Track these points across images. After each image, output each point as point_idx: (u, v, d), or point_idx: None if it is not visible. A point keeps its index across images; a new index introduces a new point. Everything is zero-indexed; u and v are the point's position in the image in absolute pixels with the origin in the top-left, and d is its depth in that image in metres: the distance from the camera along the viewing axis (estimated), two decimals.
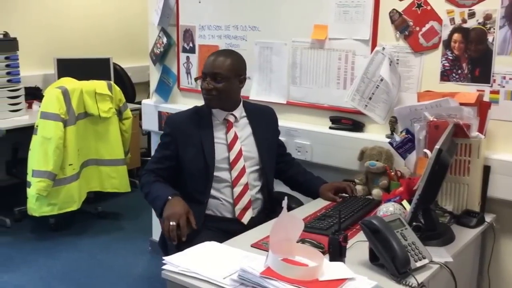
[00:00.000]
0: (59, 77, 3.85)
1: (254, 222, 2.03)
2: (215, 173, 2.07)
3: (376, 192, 2.12)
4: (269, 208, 2.16)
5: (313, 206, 2.06)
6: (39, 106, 3.32)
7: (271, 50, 2.60)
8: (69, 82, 3.33)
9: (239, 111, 2.17)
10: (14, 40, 3.74)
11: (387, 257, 1.44)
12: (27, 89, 3.88)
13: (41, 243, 3.34)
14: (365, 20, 2.26)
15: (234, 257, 1.52)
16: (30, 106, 3.92)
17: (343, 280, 1.33)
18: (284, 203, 1.44)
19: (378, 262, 1.49)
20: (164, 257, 1.52)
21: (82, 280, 2.87)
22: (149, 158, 2.34)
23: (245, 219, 2.07)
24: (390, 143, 2.13)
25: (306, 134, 2.47)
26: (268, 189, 2.18)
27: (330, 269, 1.37)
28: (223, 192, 2.08)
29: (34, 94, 4.03)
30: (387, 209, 1.75)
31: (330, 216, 1.87)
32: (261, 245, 1.67)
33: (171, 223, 1.80)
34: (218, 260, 1.51)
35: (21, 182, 3.29)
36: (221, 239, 1.76)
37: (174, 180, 2.10)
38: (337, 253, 1.48)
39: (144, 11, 3.18)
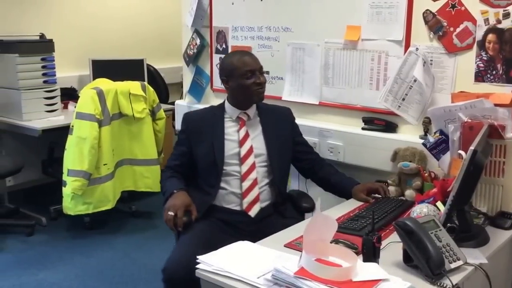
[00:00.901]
0: (94, 78, 3.94)
1: (261, 216, 2.13)
2: (225, 168, 2.15)
3: (409, 193, 2.10)
4: (280, 203, 2.22)
5: (346, 207, 2.06)
6: (75, 107, 3.38)
7: (303, 51, 2.61)
8: (104, 83, 3.39)
9: (253, 110, 2.24)
10: (50, 41, 3.82)
11: (421, 258, 1.43)
12: (63, 90, 3.95)
13: (76, 241, 3.42)
14: (398, 21, 2.25)
15: (267, 256, 1.52)
16: (65, 107, 4.00)
17: (377, 281, 1.33)
18: (317, 204, 1.44)
19: (412, 263, 1.49)
20: (198, 256, 1.54)
21: (116, 278, 2.93)
22: None
23: (253, 212, 2.13)
24: (424, 144, 2.11)
25: (338, 134, 2.47)
26: (278, 186, 2.22)
27: (364, 270, 1.37)
28: (232, 185, 2.15)
29: (69, 95, 4.12)
30: (421, 210, 1.74)
31: (363, 217, 1.86)
32: (294, 245, 1.68)
33: (168, 213, 1.96)
34: (251, 260, 1.52)
35: (57, 181, 3.36)
36: (222, 229, 2.06)
37: (190, 175, 2.23)
38: (370, 254, 1.47)
39: (178, 12, 3.23)
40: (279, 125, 2.28)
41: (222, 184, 2.15)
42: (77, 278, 2.93)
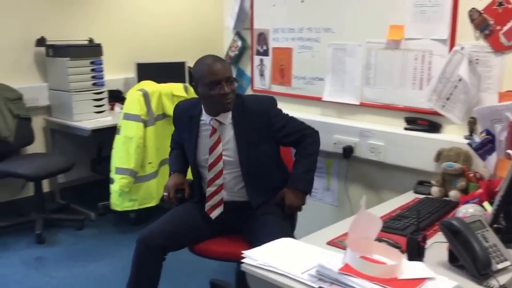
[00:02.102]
0: (139, 80, 4.04)
1: (224, 218, 2.21)
2: (202, 170, 2.25)
3: (453, 193, 2.08)
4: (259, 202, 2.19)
5: (388, 207, 2.06)
6: (121, 108, 3.50)
7: (344, 51, 2.62)
8: (148, 85, 3.49)
9: (226, 116, 2.16)
10: (99, 46, 3.95)
11: (467, 258, 1.42)
12: (110, 92, 4.07)
13: (123, 236, 3.53)
14: (443, 20, 2.23)
15: (311, 253, 1.54)
16: (112, 108, 4.13)
17: (422, 280, 1.33)
18: (362, 202, 1.46)
19: (458, 263, 1.48)
20: (243, 251, 1.58)
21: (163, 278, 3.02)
22: None
23: (214, 215, 2.22)
24: (469, 144, 2.08)
25: (379, 135, 2.47)
26: (253, 188, 2.18)
27: (410, 268, 1.37)
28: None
29: (116, 97, 4.24)
30: (467, 211, 1.72)
31: (406, 217, 1.86)
32: (337, 243, 1.69)
33: (164, 193, 2.22)
34: (295, 256, 1.54)
35: (105, 178, 3.46)
36: (204, 215, 2.21)
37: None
38: (415, 253, 1.48)
39: (219, 16, 3.31)
40: (253, 122, 2.18)
41: (202, 184, 2.27)
42: (124, 270, 3.00)
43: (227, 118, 2.16)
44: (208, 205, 2.21)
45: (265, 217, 2.14)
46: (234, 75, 3.19)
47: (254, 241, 1.94)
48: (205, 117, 2.20)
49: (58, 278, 2.98)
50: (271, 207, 2.19)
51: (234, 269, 2.42)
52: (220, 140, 2.18)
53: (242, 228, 2.20)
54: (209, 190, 2.20)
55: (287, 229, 2.13)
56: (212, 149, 2.18)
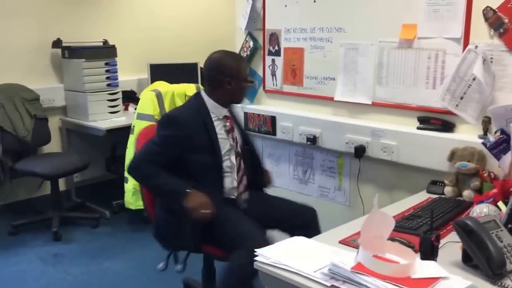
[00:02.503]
0: (152, 81, 4.10)
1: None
2: (225, 164, 2.25)
3: (467, 193, 2.07)
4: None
5: (400, 206, 2.05)
6: (135, 108, 3.55)
7: (356, 51, 2.61)
8: (162, 86, 3.53)
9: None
10: (113, 47, 4.01)
11: (481, 258, 1.42)
12: (124, 93, 4.14)
13: (137, 234, 3.59)
14: (456, 18, 2.22)
15: (323, 252, 1.55)
16: (126, 108, 4.19)
17: (436, 279, 1.33)
18: (375, 201, 1.46)
19: (471, 263, 1.48)
20: (256, 249, 1.59)
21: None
22: None
23: (244, 199, 2.31)
24: (484, 144, 2.07)
25: (392, 134, 2.46)
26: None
27: (423, 268, 1.37)
28: (227, 182, 2.26)
29: (130, 97, 4.30)
30: (481, 210, 1.71)
31: (419, 217, 1.86)
32: (349, 242, 1.70)
33: (204, 211, 2.08)
34: (308, 254, 1.55)
35: (119, 177, 3.52)
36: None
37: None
38: (429, 252, 1.47)
39: (231, 17, 3.32)
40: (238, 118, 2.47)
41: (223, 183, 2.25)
42: (138, 267, 3.08)
43: None
44: (241, 185, 2.29)
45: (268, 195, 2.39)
46: None
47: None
48: (217, 112, 2.27)
49: (74, 275, 3.03)
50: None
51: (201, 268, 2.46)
52: (233, 127, 2.33)
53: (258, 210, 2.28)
54: (238, 176, 2.28)
55: None
56: (234, 137, 2.30)
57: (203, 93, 2.28)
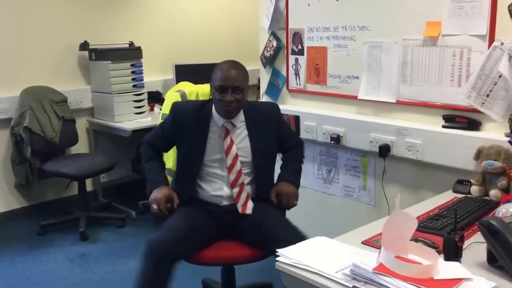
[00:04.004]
0: (177, 82, 4.14)
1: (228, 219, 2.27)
2: (207, 169, 2.26)
3: (494, 193, 2.03)
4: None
5: (425, 206, 2.03)
6: (160, 109, 3.60)
7: (380, 49, 2.59)
8: (186, 86, 3.55)
9: (238, 118, 2.28)
10: (139, 49, 4.08)
11: (507, 259, 1.39)
12: (149, 93, 4.20)
13: None
14: (481, 15, 2.18)
15: (345, 252, 1.54)
16: (152, 109, 4.25)
17: (459, 280, 1.31)
18: (397, 200, 1.45)
19: (497, 264, 1.45)
20: (277, 249, 1.59)
21: (197, 267, 3.07)
22: None
23: (248, 211, 2.26)
24: (510, 142, 2.03)
25: (417, 133, 2.43)
26: (258, 183, 2.33)
27: (446, 269, 1.35)
28: (215, 188, 2.27)
29: (155, 98, 4.37)
30: (507, 210, 1.68)
31: (444, 216, 1.83)
32: (372, 242, 1.68)
33: (153, 206, 2.21)
34: (329, 255, 1.55)
35: (145, 178, 3.59)
36: (206, 215, 2.23)
37: (166, 151, 2.46)
38: (452, 253, 1.45)
39: (254, 17, 3.33)
40: (266, 127, 2.34)
41: (202, 185, 2.28)
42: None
43: (238, 120, 2.28)
44: (239, 205, 2.27)
45: (268, 212, 2.26)
46: (269, 75, 3.22)
47: (264, 236, 2.13)
48: (216, 119, 2.26)
49: (100, 274, 3.09)
50: (268, 206, 2.31)
51: (220, 268, 2.47)
52: (233, 141, 2.26)
53: (242, 227, 2.24)
54: (235, 191, 2.26)
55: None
56: (228, 151, 2.25)
57: None
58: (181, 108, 2.34)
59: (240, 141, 2.29)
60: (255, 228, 2.20)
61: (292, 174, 2.39)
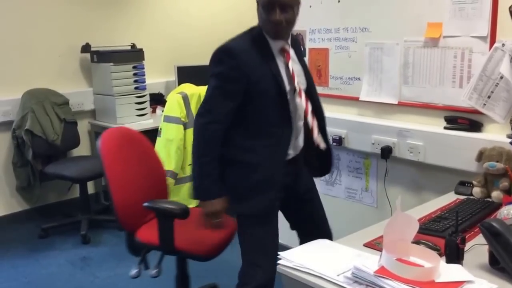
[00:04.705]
0: (179, 83, 4.15)
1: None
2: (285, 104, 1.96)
3: (496, 194, 2.02)
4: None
5: (427, 208, 2.03)
6: (162, 111, 3.60)
7: (381, 50, 2.59)
8: (188, 88, 3.57)
9: (289, 41, 2.02)
10: (140, 50, 4.09)
11: (508, 261, 1.39)
12: (151, 95, 4.21)
13: None
14: (482, 16, 2.17)
15: (347, 255, 1.54)
16: (154, 111, 4.25)
17: (461, 283, 1.31)
18: (398, 203, 1.44)
19: (499, 266, 1.44)
20: (280, 253, 1.59)
21: (202, 272, 3.07)
22: None
23: (322, 143, 2.07)
24: None
25: (418, 134, 2.43)
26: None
27: (447, 271, 1.35)
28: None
29: (157, 100, 4.37)
30: (508, 212, 1.67)
31: (446, 218, 1.83)
32: (374, 245, 1.68)
33: (215, 220, 2.01)
34: (331, 258, 1.55)
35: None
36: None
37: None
38: (454, 255, 1.45)
39: (256, 19, 3.32)
40: (300, 53, 2.15)
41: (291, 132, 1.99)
42: (167, 270, 3.10)
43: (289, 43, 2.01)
44: (315, 137, 2.04)
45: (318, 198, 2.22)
46: None
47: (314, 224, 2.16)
48: (272, 44, 1.96)
49: (102, 278, 3.08)
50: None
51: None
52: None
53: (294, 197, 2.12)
54: (309, 120, 2.01)
55: None
56: (293, 76, 1.96)
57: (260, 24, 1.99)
58: (240, 47, 1.93)
59: (296, 67, 2.02)
60: (306, 211, 2.16)
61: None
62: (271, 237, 2.05)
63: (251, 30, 2.01)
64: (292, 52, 2.02)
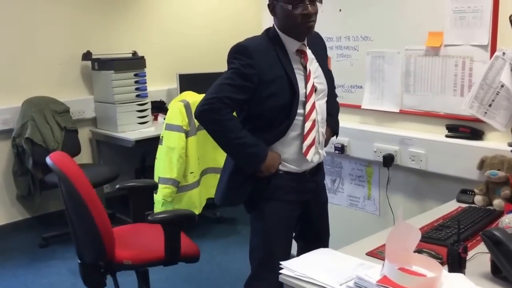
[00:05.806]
0: (181, 91, 4.15)
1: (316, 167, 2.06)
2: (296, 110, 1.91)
3: (497, 202, 2.02)
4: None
5: (429, 216, 2.02)
6: (164, 119, 3.60)
7: (383, 59, 2.60)
8: (190, 96, 3.57)
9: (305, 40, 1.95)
10: (142, 58, 4.09)
11: (510, 270, 1.39)
12: (153, 103, 4.21)
13: None
14: (483, 25, 2.19)
15: (349, 264, 1.54)
16: (155, 119, 4.25)
17: None
18: (400, 212, 1.45)
19: (501, 274, 1.44)
20: (281, 262, 1.58)
21: (204, 281, 3.07)
22: None
23: (309, 156, 1.96)
24: None
25: (420, 142, 2.43)
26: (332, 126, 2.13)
27: (450, 280, 1.35)
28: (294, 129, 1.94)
29: (159, 108, 4.37)
30: (510, 220, 1.68)
31: (448, 227, 1.83)
32: (376, 254, 1.68)
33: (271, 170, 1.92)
34: (334, 267, 1.54)
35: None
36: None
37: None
38: (456, 264, 1.45)
39: (258, 28, 3.33)
40: (322, 53, 2.07)
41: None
42: (168, 279, 3.11)
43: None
44: (305, 144, 1.94)
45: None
46: None
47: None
48: (288, 45, 1.91)
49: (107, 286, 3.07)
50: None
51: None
52: (310, 69, 1.94)
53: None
54: (306, 126, 1.92)
55: None
56: (308, 78, 1.91)
57: (275, 25, 1.93)
58: (256, 46, 1.88)
59: (315, 68, 1.98)
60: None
61: (337, 122, 2.20)
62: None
63: (267, 31, 1.97)
64: (309, 52, 1.98)
